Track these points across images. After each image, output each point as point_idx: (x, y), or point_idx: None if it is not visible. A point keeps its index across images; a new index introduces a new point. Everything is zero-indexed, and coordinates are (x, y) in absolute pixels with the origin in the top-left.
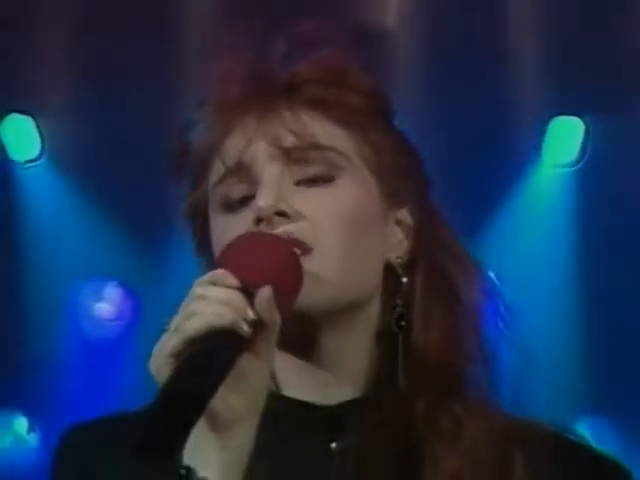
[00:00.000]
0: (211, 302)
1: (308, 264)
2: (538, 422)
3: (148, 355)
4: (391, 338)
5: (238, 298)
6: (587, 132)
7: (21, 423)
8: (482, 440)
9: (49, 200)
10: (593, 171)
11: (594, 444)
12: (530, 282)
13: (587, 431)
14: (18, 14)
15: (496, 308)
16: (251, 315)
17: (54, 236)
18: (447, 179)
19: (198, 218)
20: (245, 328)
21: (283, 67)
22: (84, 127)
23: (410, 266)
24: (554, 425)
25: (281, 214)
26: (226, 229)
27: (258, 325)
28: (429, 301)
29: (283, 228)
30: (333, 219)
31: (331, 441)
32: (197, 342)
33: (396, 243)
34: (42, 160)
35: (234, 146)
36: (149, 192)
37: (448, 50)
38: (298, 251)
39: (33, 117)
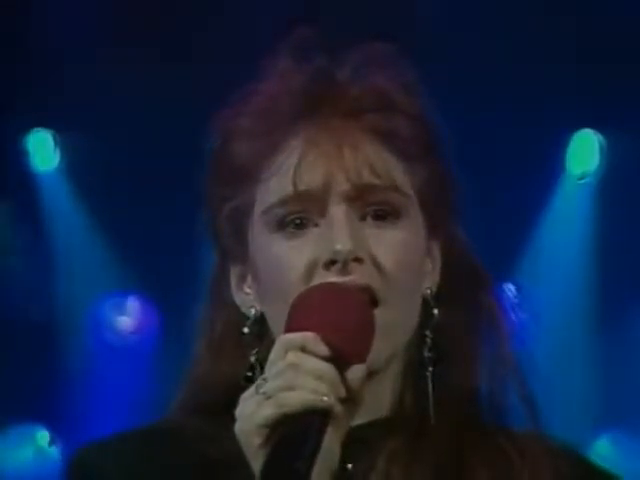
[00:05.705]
0: (306, 375)
1: (378, 318)
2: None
3: (170, 367)
4: (418, 366)
5: (332, 372)
6: (609, 144)
7: (43, 436)
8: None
9: (70, 213)
10: (614, 182)
11: (615, 459)
12: (556, 292)
13: (608, 446)
14: (42, 39)
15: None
16: (344, 393)
17: (75, 251)
18: (476, 194)
19: (231, 226)
20: (339, 408)
21: (341, 87)
22: (105, 142)
23: (438, 296)
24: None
25: (357, 260)
26: (281, 253)
27: (345, 399)
28: (460, 332)
29: (359, 279)
30: (400, 266)
31: (346, 462)
32: (292, 417)
33: (427, 274)
34: (66, 173)
35: (304, 170)
36: (169, 205)
37: (476, 68)
38: (372, 307)
39: (55, 132)
